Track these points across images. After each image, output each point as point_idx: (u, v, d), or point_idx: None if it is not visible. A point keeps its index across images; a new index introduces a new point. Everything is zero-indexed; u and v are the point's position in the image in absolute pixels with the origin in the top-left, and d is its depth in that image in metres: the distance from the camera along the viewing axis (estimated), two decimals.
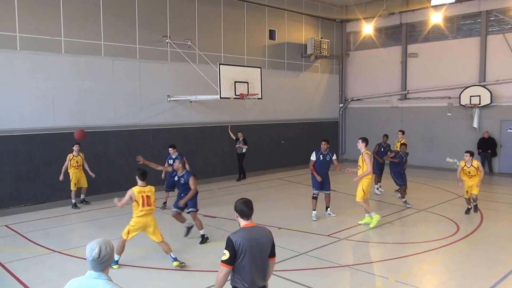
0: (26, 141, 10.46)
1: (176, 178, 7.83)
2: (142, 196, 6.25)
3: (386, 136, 12.14)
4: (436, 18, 15.95)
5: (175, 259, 6.42)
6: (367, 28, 17.92)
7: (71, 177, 10.27)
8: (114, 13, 11.91)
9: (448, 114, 16.51)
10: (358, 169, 8.58)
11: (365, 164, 8.37)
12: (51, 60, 10.82)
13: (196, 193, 7.54)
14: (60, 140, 10.99)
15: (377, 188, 11.91)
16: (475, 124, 15.65)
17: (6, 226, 8.81)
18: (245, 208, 3.46)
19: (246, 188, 12.46)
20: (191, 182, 7.42)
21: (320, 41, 17.62)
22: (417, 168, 16.58)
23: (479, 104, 15.35)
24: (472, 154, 9.19)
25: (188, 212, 7.67)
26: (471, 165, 9.14)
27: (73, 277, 2.67)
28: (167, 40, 12.97)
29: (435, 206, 10.38)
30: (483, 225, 8.68)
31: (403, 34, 17.62)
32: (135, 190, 6.24)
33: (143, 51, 12.55)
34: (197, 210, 7.74)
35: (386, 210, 9.94)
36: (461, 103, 15.81)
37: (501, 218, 9.33)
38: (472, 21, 16.24)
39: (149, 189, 6.36)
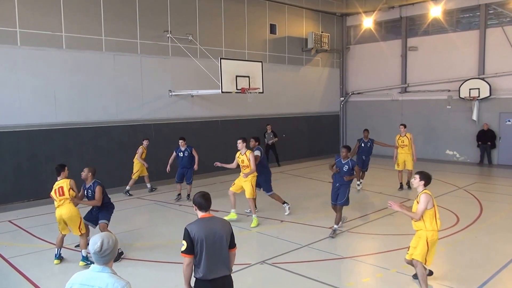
0: (28, 137, 10.51)
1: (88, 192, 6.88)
2: (55, 189, 6.58)
3: (366, 131, 12.11)
4: (435, 12, 15.94)
5: (83, 259, 6.33)
6: (367, 22, 17.90)
7: (136, 168, 11.23)
8: (115, 8, 11.89)
9: (447, 107, 16.57)
10: (244, 168, 8.31)
11: (250, 163, 8.17)
12: (52, 56, 10.82)
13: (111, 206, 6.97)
14: (62, 136, 11.04)
15: (358, 184, 11.60)
16: (474, 117, 15.72)
17: (9, 221, 8.88)
18: (202, 201, 3.61)
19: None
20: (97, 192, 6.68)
21: (321, 35, 17.61)
22: (417, 160, 16.66)
23: (478, 96, 15.40)
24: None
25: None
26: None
27: (77, 271, 2.70)
28: (168, 35, 12.97)
29: (435, 198, 10.29)
30: (482, 216, 8.78)
31: (403, 28, 17.62)
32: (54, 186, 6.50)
33: (144, 46, 12.56)
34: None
35: (387, 202, 10.02)
36: (461, 96, 15.86)
37: (500, 209, 9.43)
38: (471, 14, 16.23)
39: (63, 182, 6.59)
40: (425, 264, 5.08)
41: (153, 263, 6.43)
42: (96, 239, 2.61)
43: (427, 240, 5.02)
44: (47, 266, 6.43)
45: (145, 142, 11.47)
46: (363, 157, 11.83)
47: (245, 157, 8.32)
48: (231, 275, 3.70)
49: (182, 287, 5.57)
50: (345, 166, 7.69)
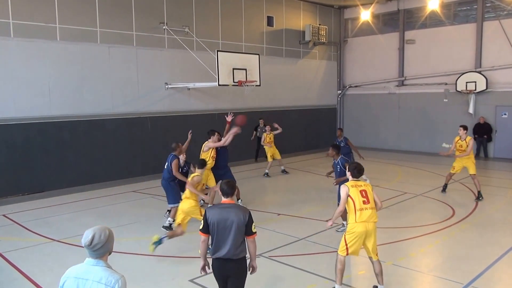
0: (22, 130, 10.40)
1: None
2: None
3: (340, 130, 11.90)
4: (433, 4, 15.87)
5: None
6: (365, 15, 17.79)
7: (266, 151, 12.63)
8: None
9: (444, 100, 16.57)
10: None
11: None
12: (46, 48, 10.67)
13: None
14: (56, 129, 10.94)
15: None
16: (471, 110, 15.74)
17: (3, 215, 8.79)
18: (225, 187, 4.00)
19: (243, 175, 12.51)
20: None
21: (318, 27, 17.50)
22: (413, 153, 16.73)
23: (475, 90, 15.41)
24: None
25: None
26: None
27: (72, 265, 2.68)
28: (164, 27, 12.83)
29: (432, 191, 10.51)
30: (478, 209, 8.83)
31: (400, 21, 17.54)
32: None
33: (140, 38, 12.41)
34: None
35: (384, 195, 10.05)
36: (457, 89, 15.86)
37: (495, 201, 9.49)
38: (468, 7, 16.18)
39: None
40: (346, 254, 4.92)
41: (149, 257, 6.40)
42: (88, 233, 2.58)
43: (345, 233, 4.99)
44: (42, 260, 6.39)
45: (267, 128, 12.91)
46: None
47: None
48: (244, 261, 3.93)
49: (178, 281, 5.61)
50: (337, 166, 7.54)
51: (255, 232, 3.92)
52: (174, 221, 7.12)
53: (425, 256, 6.48)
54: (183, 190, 7.03)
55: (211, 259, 4.03)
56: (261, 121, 14.68)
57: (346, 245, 4.89)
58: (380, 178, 12.17)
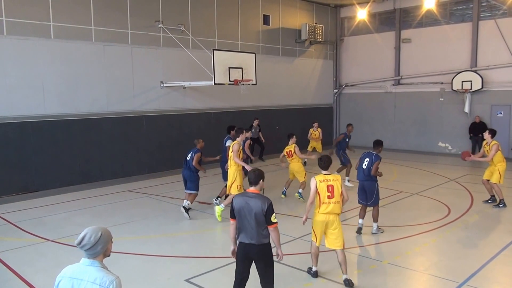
0: (16, 129, 10.30)
1: None
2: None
3: (351, 125, 11.57)
4: (429, 3, 15.88)
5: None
6: (361, 13, 17.80)
7: (310, 147, 13.07)
8: None
9: (440, 99, 16.62)
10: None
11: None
12: (40, 46, 10.58)
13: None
14: (51, 128, 10.85)
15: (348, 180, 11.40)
16: (467, 109, 15.80)
17: None
18: (251, 176, 4.27)
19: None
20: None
21: (315, 26, 17.48)
22: (409, 152, 16.78)
23: (471, 89, 15.47)
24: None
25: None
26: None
27: (67, 265, 2.67)
28: (159, 25, 12.76)
29: (427, 190, 10.53)
30: (473, 208, 8.86)
31: (396, 20, 17.56)
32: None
33: (135, 36, 12.34)
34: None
35: (380, 194, 10.05)
36: (453, 88, 15.91)
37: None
38: (464, 7, 16.23)
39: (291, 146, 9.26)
40: (315, 240, 5.47)
41: (145, 257, 6.37)
42: (82, 232, 2.58)
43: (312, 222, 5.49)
44: (37, 260, 6.33)
45: (315, 125, 14.07)
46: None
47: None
48: (267, 246, 4.21)
49: (174, 281, 5.58)
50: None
51: (276, 222, 4.14)
52: (189, 205, 8.40)
53: (420, 254, 6.49)
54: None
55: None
56: (256, 121, 14.55)
57: (314, 232, 5.46)
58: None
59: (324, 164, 5.38)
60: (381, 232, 7.32)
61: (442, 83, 16.46)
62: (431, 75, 16.73)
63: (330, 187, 5.23)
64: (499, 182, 8.75)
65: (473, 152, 15.74)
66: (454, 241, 6.96)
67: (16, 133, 10.31)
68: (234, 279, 4.40)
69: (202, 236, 7.38)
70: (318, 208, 5.29)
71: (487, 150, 8.89)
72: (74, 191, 10.67)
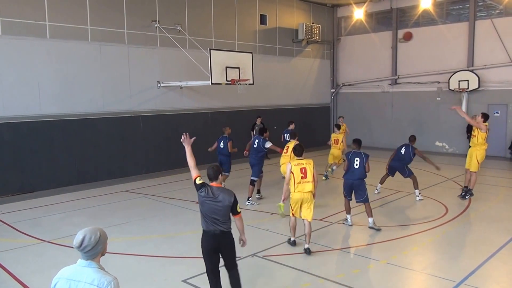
0: (11, 130, 10.22)
1: None
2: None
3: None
4: (425, 3, 15.92)
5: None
6: (358, 13, 17.82)
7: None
8: None
9: (437, 98, 16.66)
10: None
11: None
12: (36, 46, 10.50)
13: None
14: (47, 128, 10.78)
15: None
16: (463, 109, 15.82)
17: None
18: (210, 172, 4.43)
19: (238, 174, 12.45)
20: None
21: (312, 26, 17.48)
22: None
23: (468, 88, 15.51)
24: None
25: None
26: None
27: (64, 266, 2.66)
28: (156, 25, 12.70)
29: (425, 189, 10.54)
30: (470, 207, 8.87)
31: (393, 19, 17.59)
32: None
33: (132, 36, 12.28)
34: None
35: (377, 194, 10.06)
36: (450, 88, 15.95)
37: (488, 199, 9.54)
38: (461, 6, 16.28)
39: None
40: (292, 215, 6.47)
41: (142, 257, 6.33)
42: (79, 234, 2.56)
43: (290, 199, 6.46)
44: (32, 261, 6.28)
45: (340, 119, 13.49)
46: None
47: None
48: (231, 234, 4.47)
49: (171, 281, 5.54)
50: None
51: (240, 212, 4.49)
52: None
53: (418, 254, 6.48)
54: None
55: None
56: (258, 119, 14.61)
57: (291, 208, 6.40)
58: (373, 176, 12.17)
59: (298, 152, 6.38)
60: (379, 229, 7.38)
61: (439, 82, 16.50)
62: (428, 74, 16.77)
63: (303, 169, 6.21)
64: (476, 170, 9.07)
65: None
66: (452, 240, 6.97)
67: (12, 134, 10.23)
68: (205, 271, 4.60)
69: (199, 237, 7.34)
70: (294, 188, 6.22)
71: (475, 129, 9.09)
72: (71, 192, 10.61)
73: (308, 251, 6.27)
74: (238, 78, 11.76)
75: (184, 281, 5.51)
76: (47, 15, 10.62)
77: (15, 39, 10.17)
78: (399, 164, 9.69)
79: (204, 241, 4.46)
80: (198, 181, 4.41)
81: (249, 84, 12.31)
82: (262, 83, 15.01)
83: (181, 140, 4.78)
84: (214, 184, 4.42)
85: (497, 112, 15.43)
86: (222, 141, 10.14)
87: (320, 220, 8.05)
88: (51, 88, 10.82)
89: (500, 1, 14.89)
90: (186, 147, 4.69)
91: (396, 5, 17.39)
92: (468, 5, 15.73)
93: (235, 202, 4.40)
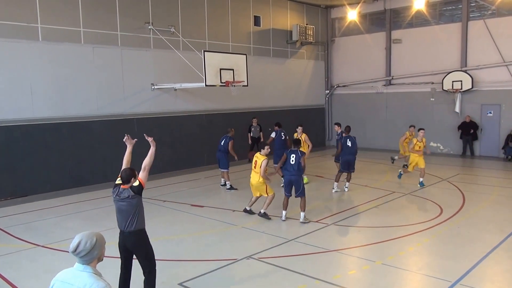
0: (3, 133, 10.12)
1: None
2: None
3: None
4: (419, 4, 16.03)
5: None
6: (352, 14, 17.89)
7: (411, 160, 11.02)
8: None
9: (431, 99, 16.75)
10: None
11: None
12: (28, 48, 10.41)
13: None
14: (40, 131, 10.68)
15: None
16: (457, 109, 15.94)
17: None
18: (122, 175, 4.73)
19: (233, 176, 12.42)
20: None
21: (305, 27, 17.51)
22: None
23: (461, 89, 15.61)
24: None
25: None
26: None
27: (58, 271, 2.66)
28: (149, 27, 12.65)
29: (420, 189, 10.58)
30: (465, 207, 8.91)
31: (387, 20, 17.68)
32: None
33: (125, 38, 12.22)
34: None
35: (373, 195, 10.09)
36: (444, 88, 16.05)
37: (482, 200, 9.60)
38: (453, 7, 16.40)
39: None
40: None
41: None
42: (76, 238, 2.57)
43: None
44: (27, 266, 6.21)
45: (411, 129, 12.87)
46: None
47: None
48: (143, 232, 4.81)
49: (168, 284, 5.50)
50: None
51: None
52: (226, 182, 10.89)
53: (414, 254, 6.50)
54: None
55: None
56: (254, 120, 14.61)
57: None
58: (368, 177, 12.21)
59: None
60: (308, 222, 7.82)
61: (432, 83, 16.60)
62: (421, 75, 16.86)
63: (255, 163, 7.97)
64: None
65: (464, 152, 15.93)
66: (447, 241, 6.99)
67: (4, 137, 10.13)
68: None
69: (195, 240, 7.31)
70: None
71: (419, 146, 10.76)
72: (65, 195, 10.52)
73: (261, 215, 8.03)
74: (232, 80, 11.75)
75: (181, 284, 5.48)
76: (39, 17, 10.53)
77: (7, 42, 10.08)
78: (352, 158, 10.33)
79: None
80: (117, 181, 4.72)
81: (244, 86, 12.30)
82: (256, 85, 15.00)
83: (124, 140, 5.23)
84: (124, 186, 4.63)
85: (490, 112, 15.55)
86: (224, 140, 10.78)
87: (316, 221, 8.05)
88: (44, 91, 10.73)
89: (493, 2, 15.01)
90: (128, 146, 5.19)
91: (390, 6, 17.48)
92: (461, 6, 15.85)
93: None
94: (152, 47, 12.84)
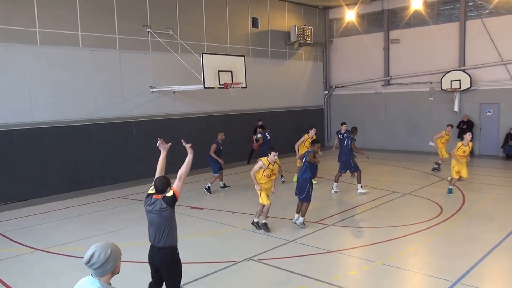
0: (2, 137, 10.11)
1: None
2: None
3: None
4: (416, 4, 16.05)
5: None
6: (350, 15, 17.92)
7: (452, 165, 9.82)
8: (92, 2, 11.52)
9: (430, 99, 16.76)
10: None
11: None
12: (26, 52, 10.41)
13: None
14: (39, 135, 10.67)
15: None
16: (456, 108, 15.95)
17: None
18: (157, 184, 4.34)
19: (232, 178, 12.42)
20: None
21: (303, 28, 17.53)
22: (400, 152, 16.86)
23: (460, 88, 15.62)
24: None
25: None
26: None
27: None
28: (147, 29, 12.67)
29: (419, 189, 10.57)
30: (465, 207, 8.90)
31: (385, 20, 17.70)
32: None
33: (123, 41, 12.22)
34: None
35: (373, 195, 10.08)
36: (442, 88, 16.06)
37: (482, 199, 9.59)
38: (451, 7, 16.42)
39: None
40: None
41: (138, 264, 6.26)
42: (90, 249, 2.51)
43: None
44: (27, 270, 6.18)
45: (448, 128, 12.42)
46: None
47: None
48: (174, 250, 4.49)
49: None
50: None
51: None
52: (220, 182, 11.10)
53: (414, 254, 6.49)
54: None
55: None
56: (259, 123, 14.42)
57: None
58: (367, 177, 12.19)
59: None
60: (304, 227, 7.69)
61: (431, 82, 16.61)
62: (420, 75, 16.88)
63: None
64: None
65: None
66: (447, 240, 6.98)
67: (3, 141, 10.12)
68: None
69: (195, 242, 7.29)
70: (261, 179, 7.82)
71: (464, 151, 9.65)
72: (64, 199, 10.50)
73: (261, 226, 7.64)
74: (231, 82, 11.76)
75: (181, 286, 5.44)
76: (37, 21, 10.54)
77: (5, 46, 10.08)
78: (344, 157, 10.48)
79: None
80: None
81: (242, 87, 12.30)
82: (255, 86, 15.01)
83: (157, 144, 4.76)
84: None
85: (489, 111, 15.56)
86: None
87: (316, 222, 8.04)
88: (42, 95, 10.73)
89: (490, 1, 15.04)
90: (162, 151, 4.73)
91: (387, 6, 17.51)
92: (458, 5, 15.87)
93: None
94: (150, 50, 12.84)
